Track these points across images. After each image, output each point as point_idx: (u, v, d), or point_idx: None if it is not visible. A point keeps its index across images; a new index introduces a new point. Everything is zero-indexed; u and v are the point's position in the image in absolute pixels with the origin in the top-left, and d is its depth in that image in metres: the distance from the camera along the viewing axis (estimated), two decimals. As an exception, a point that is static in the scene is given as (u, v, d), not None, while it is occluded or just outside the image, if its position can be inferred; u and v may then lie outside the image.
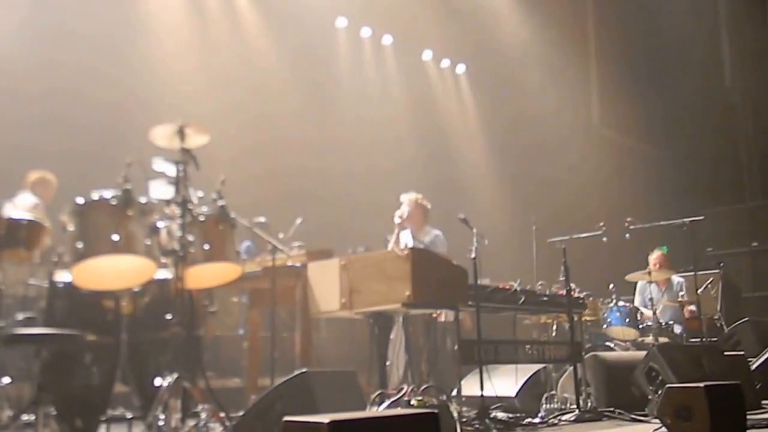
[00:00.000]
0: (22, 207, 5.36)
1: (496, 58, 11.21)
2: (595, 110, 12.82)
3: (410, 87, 10.90)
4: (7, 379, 3.72)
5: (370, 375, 5.49)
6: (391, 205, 6.23)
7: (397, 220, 5.98)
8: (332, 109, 9.66)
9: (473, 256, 4.99)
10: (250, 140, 8.44)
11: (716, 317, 7.55)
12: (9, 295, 3.96)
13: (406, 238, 6.09)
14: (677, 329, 7.09)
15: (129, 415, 3.70)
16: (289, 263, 5.46)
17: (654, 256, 7.47)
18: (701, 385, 3.70)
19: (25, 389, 3.84)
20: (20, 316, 3.88)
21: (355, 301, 4.55)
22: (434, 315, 5.67)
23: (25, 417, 3.39)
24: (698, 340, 6.92)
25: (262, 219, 6.35)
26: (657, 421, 4.09)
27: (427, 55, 11.46)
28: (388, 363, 5.03)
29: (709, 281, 7.70)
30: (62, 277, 3.81)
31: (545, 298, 5.74)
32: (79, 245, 3.56)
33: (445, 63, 11.70)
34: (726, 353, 5.85)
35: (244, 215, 4.71)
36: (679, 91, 12.18)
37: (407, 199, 6.15)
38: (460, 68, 11.87)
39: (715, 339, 7.22)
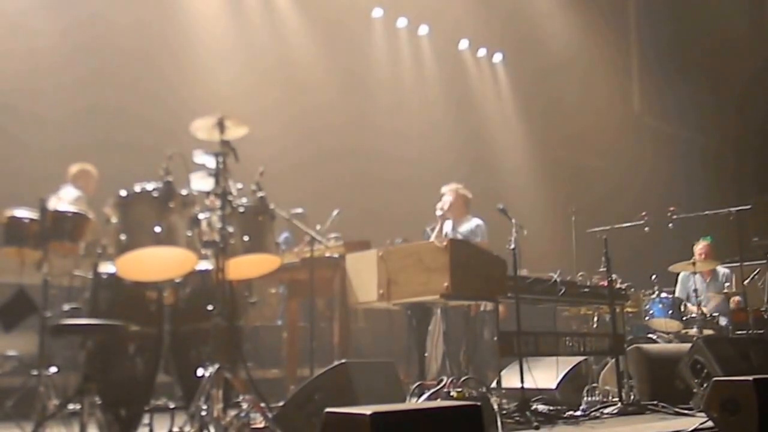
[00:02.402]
0: (65, 200, 5.47)
1: (534, 47, 11.05)
2: (636, 98, 12.57)
3: (447, 77, 10.83)
4: (53, 369, 3.79)
5: (408, 366, 5.49)
6: (429, 196, 6.20)
7: (438, 213, 5.97)
8: (369, 99, 9.65)
9: (512, 246, 4.93)
10: (289, 132, 8.49)
11: (763, 309, 7.35)
12: (55, 286, 4.04)
13: (448, 229, 6.07)
14: (722, 321, 6.93)
15: (172, 405, 3.74)
16: (327, 254, 5.48)
17: (699, 247, 7.30)
18: (750, 378, 3.60)
19: (70, 379, 3.92)
20: (66, 307, 3.95)
21: (393, 292, 4.53)
22: (471, 305, 5.64)
23: (70, 406, 3.45)
24: (744, 332, 6.75)
25: (299, 210, 6.37)
26: (702, 414, 4.00)
27: (464, 44, 11.37)
28: (426, 354, 5.01)
29: (756, 272, 7.50)
30: (106, 268, 3.86)
31: (586, 290, 5.64)
32: (123, 237, 3.61)
33: (482, 52, 11.59)
34: (774, 346, 5.70)
35: (282, 206, 4.73)
36: (722, 77, 11.85)
37: (448, 189, 6.12)
38: (497, 57, 11.74)
39: (762, 331, 7.03)
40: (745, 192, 10.13)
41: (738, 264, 6.93)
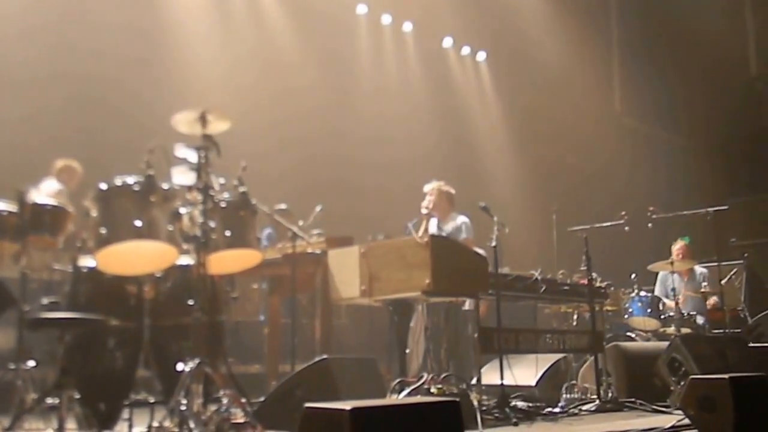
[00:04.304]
0: (45, 193, 5.42)
1: (517, 46, 11.10)
2: (617, 98, 12.67)
3: (430, 74, 10.84)
4: (31, 363, 3.76)
5: (389, 362, 5.51)
6: (411, 192, 6.22)
7: (424, 212, 5.99)
8: (352, 96, 9.64)
9: (494, 244, 4.96)
10: (271, 127, 8.46)
11: (740, 308, 7.46)
12: (34, 279, 4.01)
13: (432, 227, 6.09)
14: (700, 320, 7.02)
15: (151, 400, 3.72)
16: (310, 250, 5.48)
17: (677, 247, 7.39)
18: (726, 376, 3.65)
19: (49, 372, 3.88)
20: (45, 301, 3.92)
21: (375, 288, 4.55)
22: (453, 301, 5.67)
23: (49, 400, 3.42)
24: (721, 331, 6.85)
25: (282, 206, 6.36)
26: (679, 412, 4.05)
27: (448, 42, 11.39)
28: (407, 351, 5.03)
29: (732, 272, 7.61)
30: (86, 262, 3.84)
31: (566, 288, 5.70)
32: (103, 231, 3.59)
33: (466, 50, 11.62)
34: (750, 345, 5.78)
35: (264, 202, 4.73)
36: (703, 79, 11.98)
37: (430, 188, 6.14)
38: (481, 56, 11.78)
39: (739, 330, 7.14)
40: (724, 193, 10.25)
41: (716, 264, 7.02)
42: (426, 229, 5.97)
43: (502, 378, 4.71)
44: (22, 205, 3.83)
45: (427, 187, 6.16)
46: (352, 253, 4.70)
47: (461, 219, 6.19)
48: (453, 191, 6.29)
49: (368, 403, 2.32)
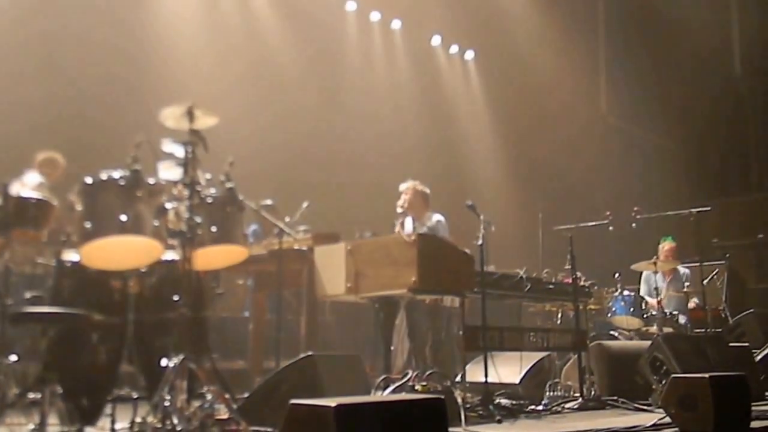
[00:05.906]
0: (28, 186, 5.37)
1: (505, 45, 11.15)
2: (603, 99, 12.75)
3: (418, 73, 10.86)
4: (13, 357, 3.72)
5: (374, 359, 5.52)
6: (398, 190, 6.22)
7: (399, 211, 6.00)
8: (340, 92, 9.64)
9: (480, 242, 4.98)
10: (259, 123, 8.43)
11: (721, 308, 7.55)
12: (17, 273, 3.97)
13: (409, 226, 6.10)
14: (682, 319, 7.09)
15: (135, 395, 3.70)
16: (296, 247, 5.47)
17: (666, 247, 7.45)
18: (706, 375, 3.70)
19: (31, 367, 3.85)
20: (27, 295, 3.88)
21: (360, 285, 4.55)
22: (437, 299, 5.68)
23: (31, 395, 3.40)
24: (703, 330, 6.92)
25: (269, 202, 6.34)
26: (660, 410, 4.10)
27: (436, 40, 11.41)
28: (392, 348, 5.04)
29: (714, 272, 7.70)
30: (70, 256, 3.81)
31: (551, 286, 5.74)
32: (88, 225, 3.56)
33: (454, 49, 11.64)
34: (731, 344, 5.85)
35: (251, 198, 4.71)
36: (687, 81, 12.08)
37: (405, 187, 6.16)
38: (469, 54, 11.81)
39: (720, 330, 7.22)
40: (707, 194, 10.36)
41: (698, 264, 7.09)
42: (401, 228, 5.97)
43: (486, 375, 4.74)
44: (6, 198, 3.80)
45: (402, 187, 6.18)
46: (339, 250, 4.71)
47: (437, 218, 6.20)
48: (428, 190, 6.30)
49: (353, 400, 2.33)
